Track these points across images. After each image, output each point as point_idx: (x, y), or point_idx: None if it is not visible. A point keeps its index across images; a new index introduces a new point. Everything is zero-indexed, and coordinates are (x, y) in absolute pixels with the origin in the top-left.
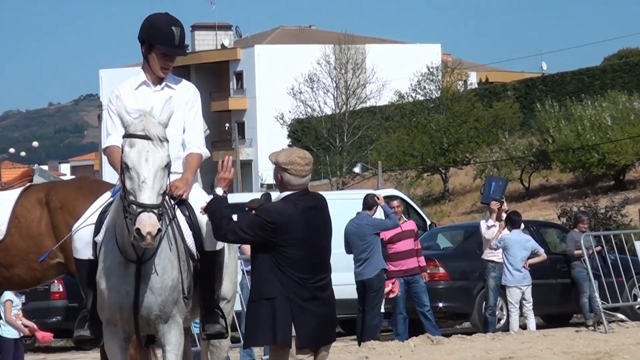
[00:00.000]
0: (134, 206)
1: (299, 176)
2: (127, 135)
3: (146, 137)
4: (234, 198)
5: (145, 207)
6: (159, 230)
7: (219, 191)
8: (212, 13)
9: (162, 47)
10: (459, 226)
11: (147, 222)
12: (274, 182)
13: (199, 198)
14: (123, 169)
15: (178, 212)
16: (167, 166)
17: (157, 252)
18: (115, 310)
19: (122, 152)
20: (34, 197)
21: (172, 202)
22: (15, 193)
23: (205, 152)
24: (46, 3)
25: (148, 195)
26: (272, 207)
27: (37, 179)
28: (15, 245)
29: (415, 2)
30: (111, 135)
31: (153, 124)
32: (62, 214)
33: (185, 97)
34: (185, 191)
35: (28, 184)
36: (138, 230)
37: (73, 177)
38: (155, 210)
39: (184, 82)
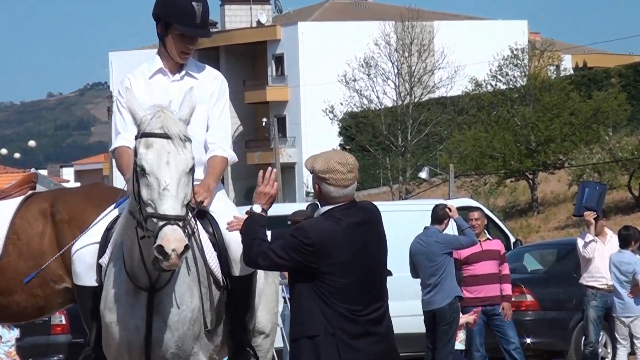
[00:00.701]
0: (154, 219)
1: (340, 186)
2: (143, 135)
3: (166, 136)
4: (273, 209)
5: (169, 219)
6: (187, 247)
7: (257, 208)
8: None
9: (180, 26)
10: (550, 244)
11: (172, 237)
12: None
13: (224, 210)
14: (137, 175)
15: (199, 227)
16: (192, 171)
17: (173, 277)
18: (124, 349)
19: (136, 155)
20: (36, 208)
21: (191, 212)
22: (13, 204)
23: (232, 156)
24: None
25: (171, 204)
26: (309, 225)
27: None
28: (13, 267)
29: None
30: (121, 134)
31: (173, 121)
32: (70, 228)
33: (209, 88)
34: (206, 198)
35: (30, 192)
36: (160, 247)
37: (78, 184)
38: (181, 223)
39: (209, 69)
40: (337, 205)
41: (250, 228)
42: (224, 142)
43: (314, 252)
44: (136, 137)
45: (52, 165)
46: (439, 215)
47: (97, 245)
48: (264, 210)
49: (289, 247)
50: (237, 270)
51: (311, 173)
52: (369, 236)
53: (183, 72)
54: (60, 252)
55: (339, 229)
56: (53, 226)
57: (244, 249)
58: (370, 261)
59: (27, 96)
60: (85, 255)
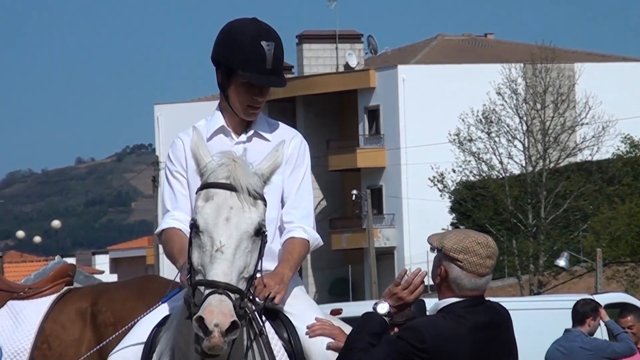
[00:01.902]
0: (202, 288)
1: (476, 274)
2: (204, 186)
3: (230, 187)
4: (367, 307)
5: (217, 287)
6: (234, 324)
7: (382, 308)
8: (330, 16)
9: (246, 73)
10: None
11: (217, 309)
12: (430, 282)
13: (303, 311)
14: (191, 237)
15: (268, 330)
16: (260, 235)
17: None
18: None
19: (194, 210)
20: (72, 309)
21: (257, 307)
22: (44, 304)
23: (315, 238)
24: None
25: (223, 269)
26: (423, 324)
27: None
28: None
29: None
30: (170, 212)
31: (244, 172)
32: (118, 336)
33: (285, 152)
34: (278, 292)
35: (65, 289)
36: (201, 320)
37: (115, 276)
38: (233, 296)
39: (284, 128)
40: (461, 299)
41: (357, 332)
42: (305, 221)
43: None
44: (197, 190)
45: (82, 251)
46: (580, 313)
47: (140, 353)
48: (390, 314)
49: (395, 355)
50: None
51: (437, 251)
52: (497, 344)
53: (251, 132)
54: None
55: (463, 331)
56: (94, 331)
57: (338, 358)
58: None
59: (51, 163)
60: (130, 348)
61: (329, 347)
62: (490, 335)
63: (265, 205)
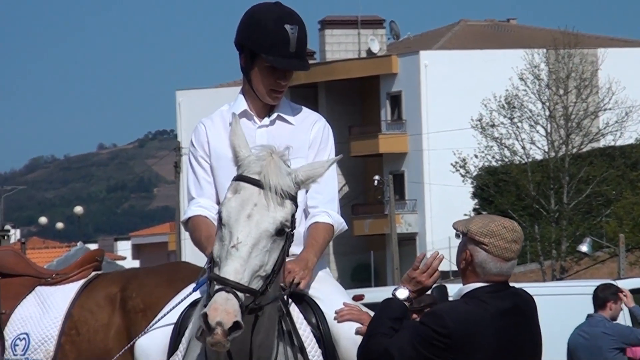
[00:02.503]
0: (214, 283)
1: (501, 258)
2: (236, 178)
3: (259, 184)
4: (389, 293)
5: (226, 285)
6: (237, 324)
7: (402, 293)
8: (352, 1)
9: (269, 56)
10: None
11: (222, 307)
12: (454, 268)
13: (331, 296)
14: (219, 222)
15: (297, 316)
16: (283, 236)
17: None
18: None
19: (223, 201)
20: (102, 294)
21: (284, 294)
22: (71, 290)
23: (339, 222)
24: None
25: (235, 267)
26: (445, 310)
27: None
28: None
29: None
30: (195, 199)
31: (277, 170)
32: (146, 319)
33: (308, 136)
34: (303, 278)
35: (93, 274)
36: (205, 316)
37: (137, 262)
38: (241, 295)
39: (307, 112)
40: (486, 284)
41: (378, 318)
42: (329, 205)
43: (450, 346)
44: (232, 180)
45: (104, 238)
46: (600, 298)
47: (168, 339)
48: (410, 299)
49: (417, 340)
50: None
51: (462, 235)
52: (521, 331)
53: (274, 116)
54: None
55: (486, 316)
56: (123, 316)
57: (359, 347)
58: None
59: (73, 149)
60: (152, 351)
61: (357, 332)
62: (514, 321)
63: (296, 206)
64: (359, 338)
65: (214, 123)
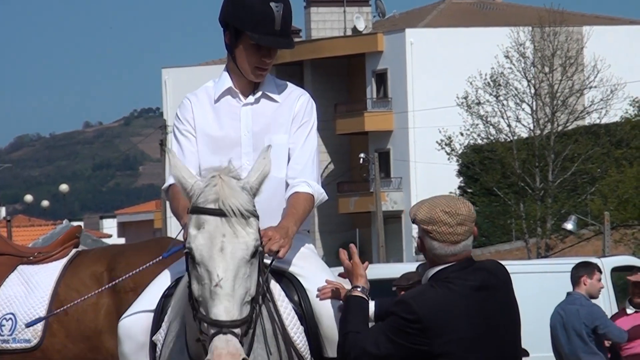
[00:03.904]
0: (205, 324)
1: (447, 242)
2: (193, 209)
3: (220, 214)
4: (375, 271)
5: (222, 326)
6: None
7: (355, 290)
8: None
9: (254, 34)
10: None
11: (225, 351)
12: None
13: (314, 272)
14: (188, 265)
15: (279, 293)
16: (256, 255)
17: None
18: None
19: (186, 236)
20: (87, 272)
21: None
22: (55, 268)
23: (319, 192)
24: None
25: (225, 307)
26: (412, 296)
27: None
28: (60, 352)
29: None
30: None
31: (232, 192)
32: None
33: (291, 112)
34: (282, 246)
35: (74, 252)
36: None
37: (123, 240)
38: (237, 330)
39: (292, 88)
40: (446, 265)
41: (344, 319)
42: (309, 175)
43: (423, 330)
44: (188, 212)
45: (89, 215)
46: (574, 275)
47: (151, 318)
48: (364, 289)
49: (390, 330)
50: (330, 351)
51: (413, 223)
52: (493, 305)
53: (259, 94)
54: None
55: (452, 296)
56: (112, 296)
57: (337, 348)
58: (498, 338)
59: (59, 127)
60: (135, 331)
61: (339, 310)
62: (484, 297)
63: (258, 219)
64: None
65: (198, 98)
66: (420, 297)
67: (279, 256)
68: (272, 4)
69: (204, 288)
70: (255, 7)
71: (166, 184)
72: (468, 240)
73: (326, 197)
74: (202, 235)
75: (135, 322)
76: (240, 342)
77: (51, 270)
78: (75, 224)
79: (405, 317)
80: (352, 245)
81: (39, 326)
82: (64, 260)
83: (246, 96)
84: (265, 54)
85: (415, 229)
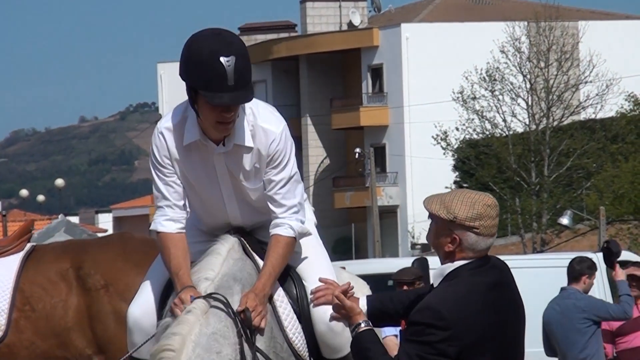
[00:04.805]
0: None
1: (489, 235)
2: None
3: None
4: (370, 266)
5: None
6: None
7: (361, 325)
8: None
9: (206, 92)
10: None
11: None
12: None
13: (313, 266)
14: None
15: (278, 293)
16: None
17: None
18: None
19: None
20: (52, 269)
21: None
22: (13, 262)
23: (301, 232)
24: None
25: None
26: (436, 301)
27: (62, 237)
28: (28, 348)
29: None
30: (163, 210)
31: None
32: (109, 296)
33: (264, 159)
34: (263, 317)
35: (29, 246)
36: None
37: (109, 233)
38: None
39: (265, 131)
40: (468, 261)
41: (359, 354)
42: (290, 210)
43: (451, 338)
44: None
45: (85, 210)
46: (576, 270)
47: (155, 308)
48: (367, 322)
49: (422, 348)
50: (326, 352)
51: (449, 221)
52: (505, 301)
53: (230, 145)
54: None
55: (478, 295)
56: (83, 294)
57: None
58: (507, 338)
59: (54, 121)
60: (145, 322)
61: (331, 318)
62: (499, 293)
63: None
64: (334, 323)
65: (172, 133)
66: (445, 299)
67: (258, 326)
68: (223, 59)
69: None
70: (205, 65)
71: (154, 227)
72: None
73: (310, 233)
74: None
75: (144, 314)
76: None
77: (9, 264)
78: (70, 219)
79: (436, 325)
80: (338, 294)
81: (2, 319)
82: (20, 254)
83: (217, 144)
84: (224, 109)
85: (410, 225)
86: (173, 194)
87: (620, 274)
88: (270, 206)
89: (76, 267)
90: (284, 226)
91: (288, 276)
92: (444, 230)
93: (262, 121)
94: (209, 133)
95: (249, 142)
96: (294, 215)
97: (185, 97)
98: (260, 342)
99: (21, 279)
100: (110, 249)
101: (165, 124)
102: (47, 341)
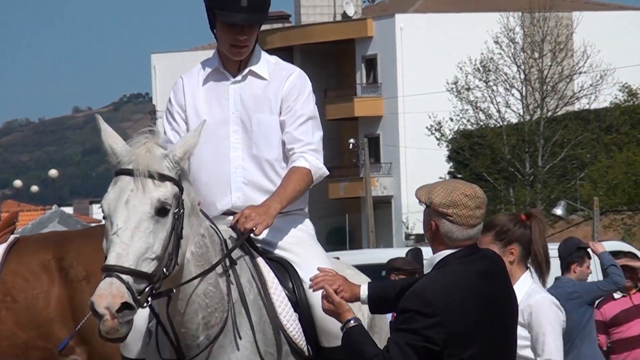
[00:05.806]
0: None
1: (466, 226)
2: (115, 172)
3: (131, 173)
4: (364, 256)
5: (110, 270)
6: (126, 305)
7: (349, 323)
8: None
9: (221, 12)
10: None
11: (107, 292)
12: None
13: (310, 258)
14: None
15: (272, 281)
16: (167, 216)
17: (212, 346)
18: None
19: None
20: (35, 261)
21: (237, 241)
22: None
23: (317, 167)
24: None
25: (118, 252)
26: (423, 287)
27: (56, 228)
28: (9, 338)
29: None
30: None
31: (146, 156)
32: (90, 287)
33: (281, 90)
34: (260, 223)
35: (13, 238)
36: (91, 305)
37: (91, 225)
38: (127, 277)
39: (282, 65)
40: (456, 250)
41: (358, 351)
42: (308, 146)
43: (438, 325)
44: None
45: (79, 200)
46: (565, 261)
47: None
48: (356, 319)
49: (410, 336)
50: (325, 340)
51: (426, 206)
52: (495, 291)
53: (245, 71)
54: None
55: (467, 283)
56: (64, 285)
57: None
58: (497, 329)
59: (48, 112)
60: (138, 322)
61: (322, 296)
62: (488, 283)
63: (178, 186)
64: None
65: (191, 77)
66: (432, 286)
67: (255, 234)
68: None
69: (107, 239)
70: None
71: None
72: (481, 225)
73: (326, 172)
74: (113, 190)
75: (137, 313)
76: (138, 298)
77: None
78: (64, 209)
79: (422, 311)
80: (326, 286)
81: None
82: (3, 246)
83: (235, 75)
84: (238, 32)
85: (405, 215)
86: (184, 133)
87: (599, 247)
88: (288, 145)
89: (58, 259)
90: (299, 159)
91: (283, 268)
92: (426, 217)
93: (282, 63)
94: (230, 61)
95: (263, 72)
96: (311, 152)
97: None
98: (231, 335)
99: (3, 270)
100: (93, 241)
101: (186, 73)
102: (29, 332)
